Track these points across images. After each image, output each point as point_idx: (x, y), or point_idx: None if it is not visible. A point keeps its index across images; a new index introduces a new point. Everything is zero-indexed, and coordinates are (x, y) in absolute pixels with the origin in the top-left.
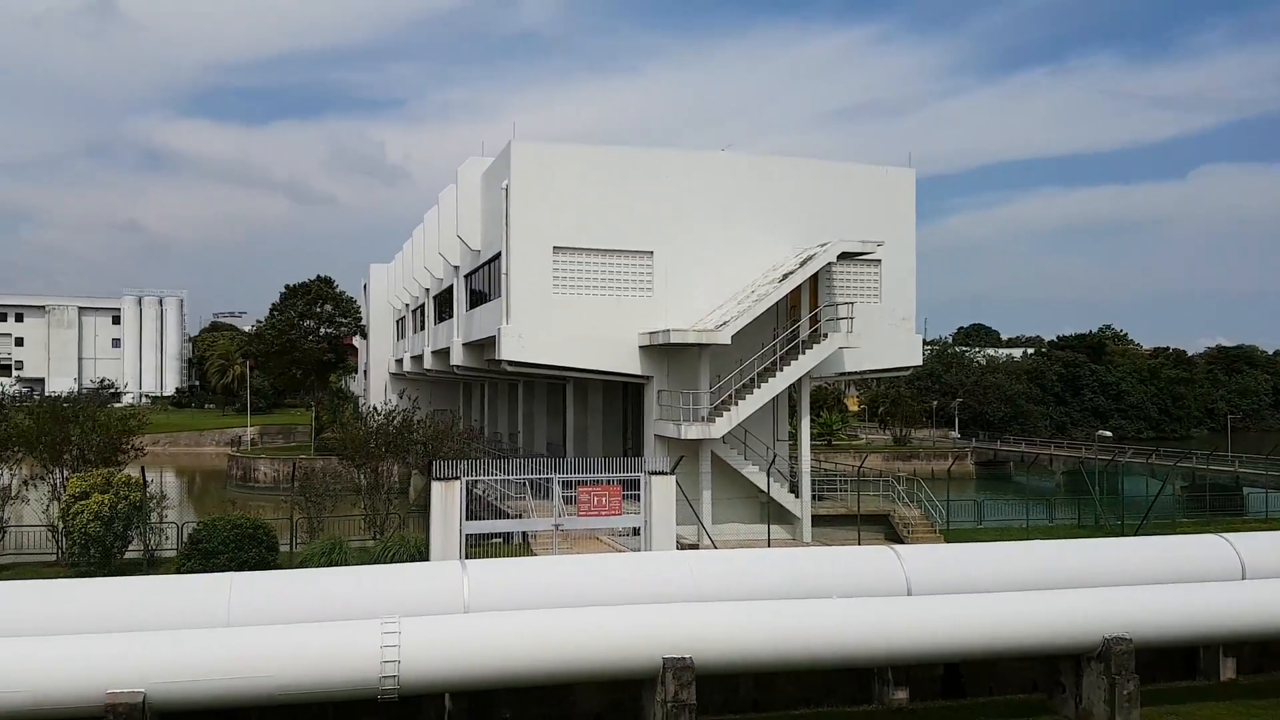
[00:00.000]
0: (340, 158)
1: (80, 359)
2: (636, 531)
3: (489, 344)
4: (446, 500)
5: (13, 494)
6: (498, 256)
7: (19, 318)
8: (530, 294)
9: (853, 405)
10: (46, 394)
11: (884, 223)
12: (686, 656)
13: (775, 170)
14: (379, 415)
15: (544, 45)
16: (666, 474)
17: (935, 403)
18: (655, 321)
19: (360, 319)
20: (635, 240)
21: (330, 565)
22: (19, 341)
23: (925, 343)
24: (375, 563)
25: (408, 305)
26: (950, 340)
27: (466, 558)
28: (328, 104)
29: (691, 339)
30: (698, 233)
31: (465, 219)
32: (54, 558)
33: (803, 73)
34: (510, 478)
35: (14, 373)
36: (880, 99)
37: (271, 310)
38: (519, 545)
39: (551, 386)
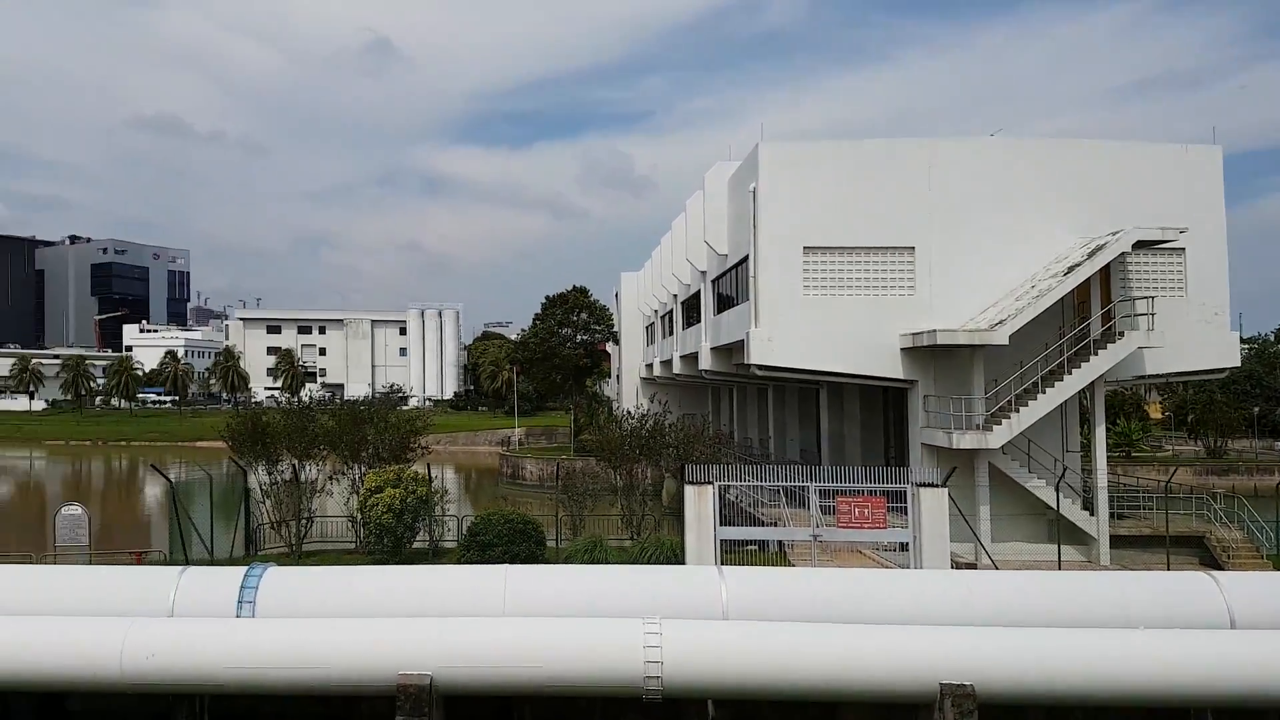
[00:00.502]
0: (593, 173)
1: (373, 366)
2: (903, 547)
3: (737, 348)
4: (700, 505)
5: (319, 488)
6: (745, 260)
7: (322, 330)
8: (780, 296)
9: (1155, 413)
10: (346, 398)
11: (1185, 207)
12: (968, 684)
13: (1056, 154)
14: (632, 419)
15: (789, 44)
16: (937, 486)
17: (1256, 409)
18: (918, 321)
19: (613, 325)
20: (894, 236)
21: (592, 562)
22: (322, 351)
23: (1241, 340)
24: (633, 563)
25: (656, 311)
26: (1272, 337)
27: (721, 563)
28: (583, 122)
29: (962, 340)
30: (966, 225)
31: (712, 224)
32: (353, 545)
33: (1081, 47)
34: (764, 484)
35: (319, 379)
36: (1173, 71)
37: (534, 319)
38: (775, 554)
39: (804, 391)
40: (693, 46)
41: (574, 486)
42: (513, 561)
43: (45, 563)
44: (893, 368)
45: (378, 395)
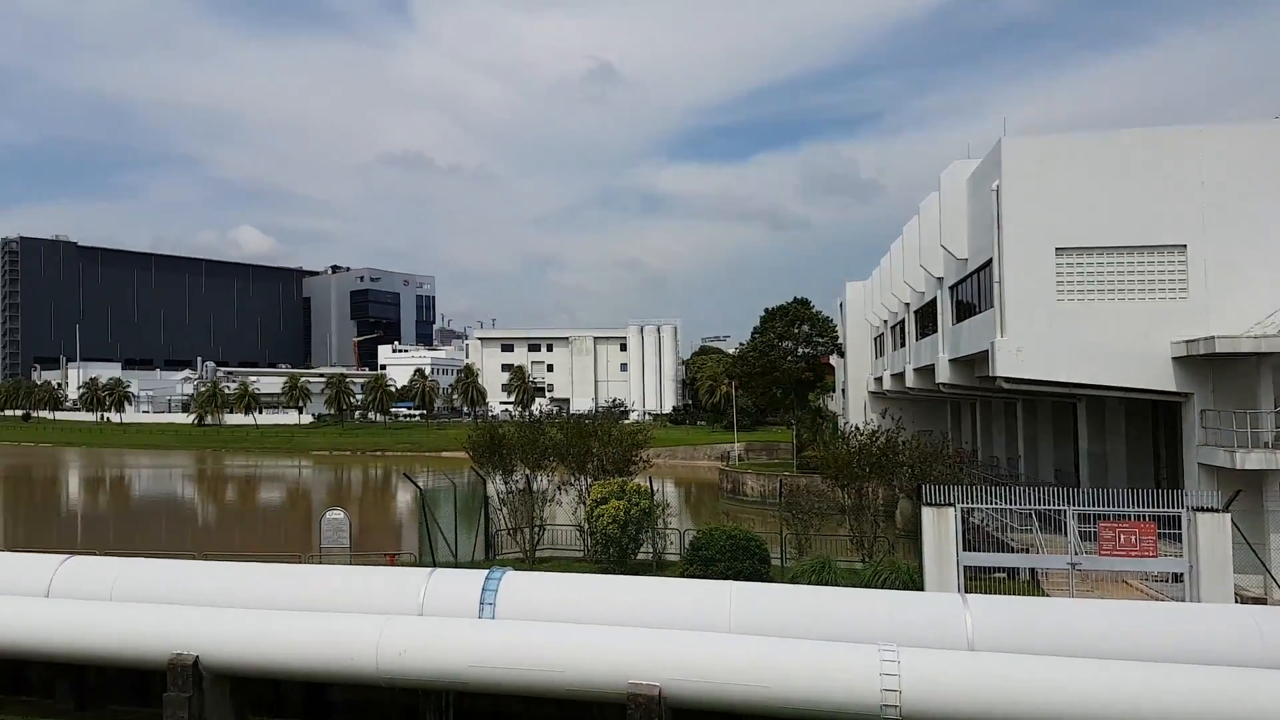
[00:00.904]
0: (814, 181)
1: (595, 381)
2: (1176, 578)
3: (980, 359)
4: (940, 528)
5: (550, 497)
6: (988, 264)
7: (549, 348)
8: (1029, 302)
9: None
10: (571, 412)
11: None
12: None
13: None
14: (860, 434)
15: (1033, 31)
16: (1218, 511)
17: None
18: (1192, 328)
19: (837, 337)
20: (1160, 233)
21: (819, 584)
22: (550, 368)
23: None
24: (864, 587)
25: (886, 321)
26: None
27: (964, 591)
28: (802, 129)
29: (1246, 347)
30: (1247, 219)
31: (949, 227)
32: (581, 554)
33: None
34: (1013, 507)
35: (547, 394)
36: None
37: (753, 333)
38: (1025, 583)
39: (1058, 406)
40: (924, 43)
41: (799, 504)
42: (736, 578)
43: (311, 562)
44: (1163, 379)
45: (601, 409)
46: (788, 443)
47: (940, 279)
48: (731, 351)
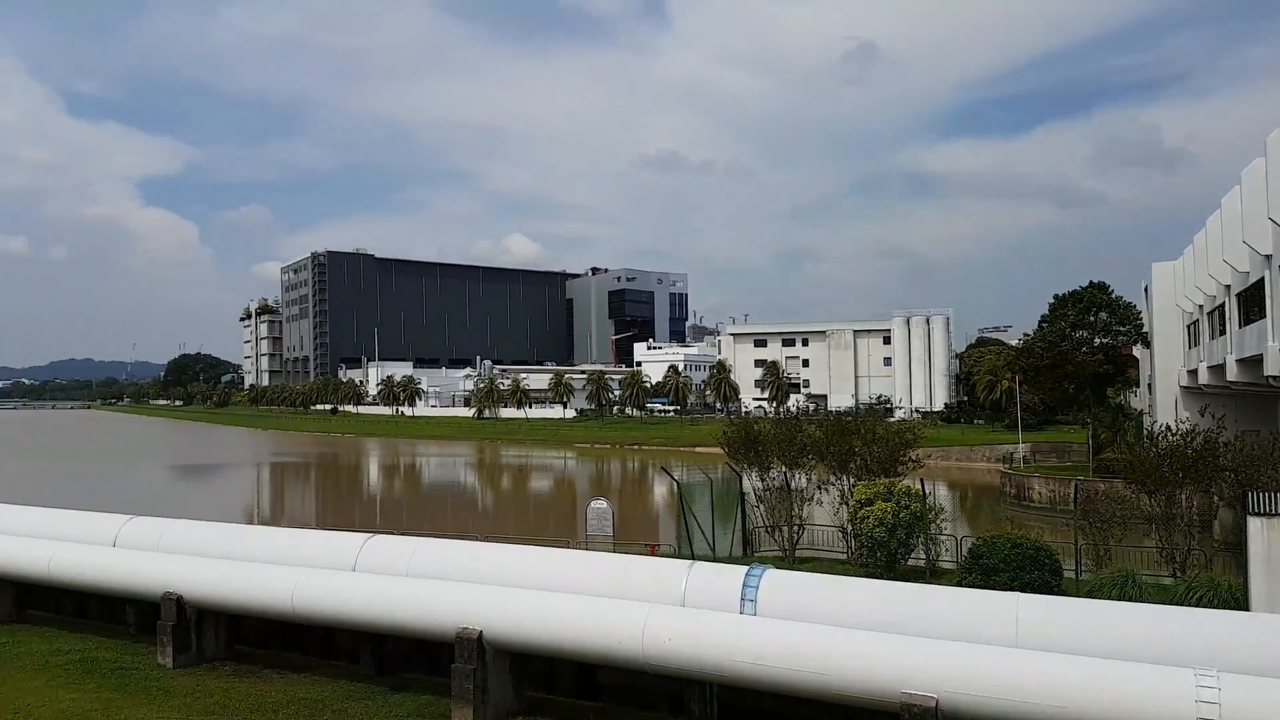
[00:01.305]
0: (1108, 152)
1: (855, 377)
2: None
3: None
4: (1270, 540)
5: (809, 496)
6: None
7: (805, 342)
8: None
9: None
10: (829, 409)
11: None
12: None
13: None
14: (1172, 435)
15: None
16: None
17: None
18: None
19: (1141, 326)
20: None
21: (1121, 599)
22: (805, 363)
23: None
24: (1176, 604)
25: (1201, 307)
26: None
27: None
28: (1094, 96)
29: None
30: None
31: (1278, 198)
32: (844, 556)
33: None
34: None
35: (802, 390)
36: None
37: (1040, 322)
38: None
39: None
40: None
41: (1096, 512)
42: (1021, 590)
43: (577, 548)
44: None
45: (862, 406)
46: (1081, 444)
47: (1269, 256)
48: (1014, 343)
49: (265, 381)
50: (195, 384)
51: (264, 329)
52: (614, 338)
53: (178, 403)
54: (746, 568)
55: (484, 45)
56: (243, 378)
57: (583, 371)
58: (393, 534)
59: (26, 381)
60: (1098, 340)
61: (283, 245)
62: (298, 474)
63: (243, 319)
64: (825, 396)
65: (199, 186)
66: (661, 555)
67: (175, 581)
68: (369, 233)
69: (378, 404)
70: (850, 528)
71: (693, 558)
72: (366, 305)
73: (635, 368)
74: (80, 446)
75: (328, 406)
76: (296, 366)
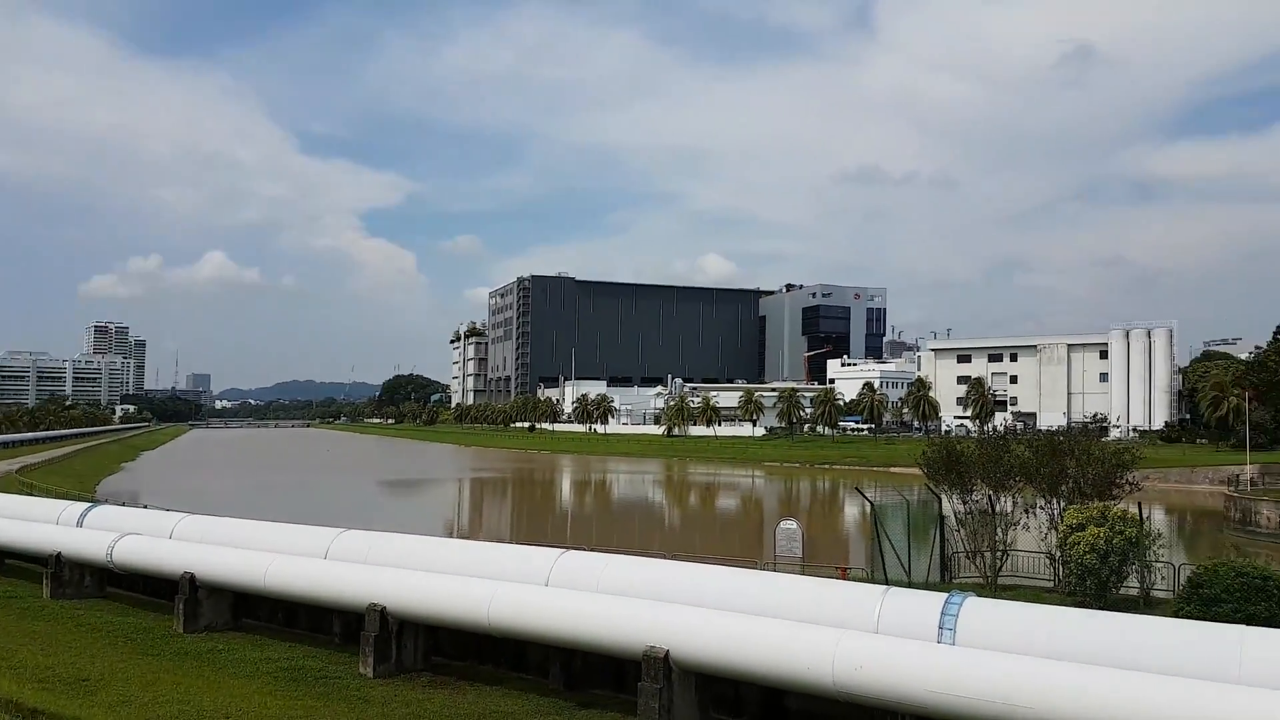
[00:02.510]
0: None
1: (1069, 394)
2: None
3: None
4: None
5: (1014, 520)
6: None
7: (1013, 357)
8: None
9: None
10: (1038, 427)
11: None
12: None
13: None
14: None
15: None
16: None
17: None
18: None
19: None
20: None
21: None
22: (1013, 379)
23: None
24: None
25: None
26: None
27: None
28: None
29: None
30: None
31: None
32: (1050, 584)
33: None
34: None
35: (1008, 408)
36: None
37: (1275, 334)
38: None
39: None
40: None
41: None
42: (1248, 622)
43: (765, 569)
44: None
45: (1075, 425)
46: None
47: None
48: (1243, 357)
49: (470, 400)
50: (407, 403)
51: (471, 350)
52: (807, 354)
53: (390, 420)
54: (945, 594)
55: (686, 69)
56: (450, 397)
57: (773, 389)
58: (583, 549)
59: (253, 402)
60: None
61: (493, 270)
62: (495, 489)
63: (452, 341)
64: (1034, 414)
65: (417, 217)
66: (853, 579)
67: (380, 593)
68: (575, 255)
69: (572, 421)
70: (1059, 554)
71: (886, 582)
72: (565, 326)
73: (829, 385)
74: (303, 460)
75: (526, 424)
76: (499, 385)
